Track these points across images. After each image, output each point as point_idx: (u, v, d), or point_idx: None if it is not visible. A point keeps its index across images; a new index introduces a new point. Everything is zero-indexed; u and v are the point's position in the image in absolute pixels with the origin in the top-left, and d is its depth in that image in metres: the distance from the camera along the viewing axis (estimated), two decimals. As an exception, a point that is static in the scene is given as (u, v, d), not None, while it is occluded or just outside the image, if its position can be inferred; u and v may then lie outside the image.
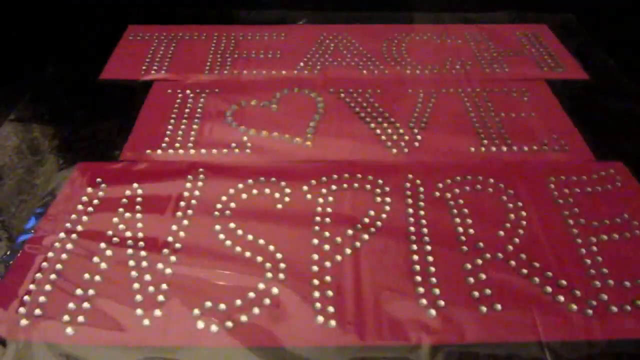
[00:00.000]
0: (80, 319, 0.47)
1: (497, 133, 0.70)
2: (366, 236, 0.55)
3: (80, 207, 0.58)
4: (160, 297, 0.49)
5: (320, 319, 0.47)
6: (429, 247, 0.54)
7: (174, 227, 0.56)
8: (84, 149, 0.68)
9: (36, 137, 0.70)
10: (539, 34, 0.92)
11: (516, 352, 0.46)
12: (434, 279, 0.51)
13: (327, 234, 0.55)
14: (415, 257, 0.53)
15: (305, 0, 0.99)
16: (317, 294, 0.50)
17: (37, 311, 0.48)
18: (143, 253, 0.53)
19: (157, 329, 0.47)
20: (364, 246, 0.54)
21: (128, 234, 0.55)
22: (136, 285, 0.50)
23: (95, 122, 0.72)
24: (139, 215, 0.57)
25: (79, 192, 0.60)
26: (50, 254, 0.53)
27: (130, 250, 0.53)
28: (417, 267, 0.52)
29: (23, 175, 0.64)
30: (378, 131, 0.70)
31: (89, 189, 0.60)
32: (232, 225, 0.56)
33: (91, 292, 0.49)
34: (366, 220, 0.57)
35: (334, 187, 0.61)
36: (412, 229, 0.56)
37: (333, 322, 0.47)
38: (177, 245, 0.54)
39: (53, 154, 0.67)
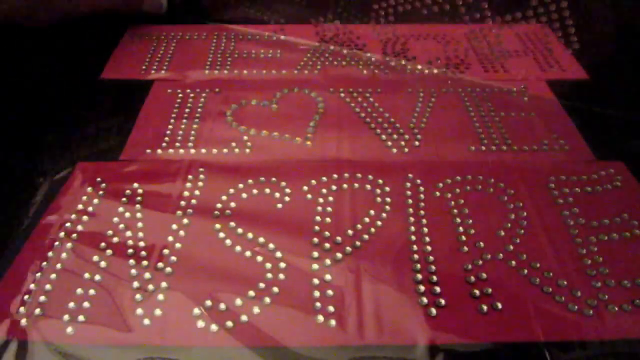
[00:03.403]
0: (81, 318, 0.47)
1: (497, 133, 0.70)
2: (366, 236, 0.55)
3: (80, 206, 0.58)
4: (161, 297, 0.49)
5: (320, 318, 0.48)
6: (429, 247, 0.54)
7: (174, 227, 0.56)
8: (84, 149, 0.68)
9: (36, 136, 0.70)
10: (539, 34, 0.92)
11: (516, 352, 0.46)
12: (434, 278, 0.51)
13: (327, 233, 0.55)
14: (416, 257, 0.53)
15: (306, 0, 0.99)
16: (317, 293, 0.50)
17: (38, 311, 0.48)
18: (143, 252, 0.53)
19: (157, 328, 0.47)
20: (364, 246, 0.54)
21: (128, 233, 0.55)
22: (136, 285, 0.50)
23: (95, 121, 0.72)
24: (139, 215, 0.57)
25: (79, 192, 0.60)
26: (50, 254, 0.53)
27: (130, 250, 0.53)
28: (418, 266, 0.52)
29: (23, 175, 0.64)
30: (378, 131, 0.70)
31: (89, 189, 0.60)
32: (232, 224, 0.56)
33: (91, 291, 0.49)
34: (366, 220, 0.57)
35: (334, 187, 0.61)
36: (412, 228, 0.56)
37: (333, 322, 0.47)
38: (177, 244, 0.54)
39: (53, 154, 0.67)
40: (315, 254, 0.53)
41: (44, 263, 0.52)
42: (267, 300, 0.49)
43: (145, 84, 0.79)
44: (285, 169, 0.64)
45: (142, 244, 0.54)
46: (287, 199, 0.60)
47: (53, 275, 0.51)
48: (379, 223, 0.57)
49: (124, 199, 0.59)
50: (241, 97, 0.76)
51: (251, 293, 0.50)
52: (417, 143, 0.68)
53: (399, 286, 0.50)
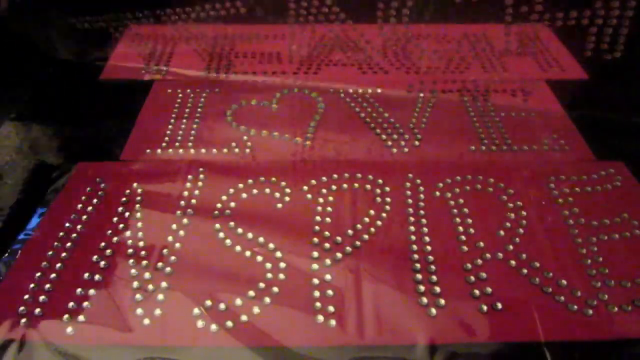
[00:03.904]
0: (81, 318, 0.47)
1: (497, 133, 0.70)
2: (366, 236, 0.55)
3: (80, 206, 0.58)
4: (160, 297, 0.49)
5: (320, 318, 0.48)
6: (429, 247, 0.54)
7: (174, 227, 0.56)
8: (84, 148, 0.68)
9: (36, 136, 0.70)
10: (539, 34, 0.92)
11: (516, 352, 0.46)
12: (434, 278, 0.51)
13: (327, 233, 0.55)
14: (415, 257, 0.53)
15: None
16: (317, 293, 0.50)
17: (38, 310, 0.48)
18: (143, 252, 0.53)
19: (157, 328, 0.47)
20: (364, 246, 0.54)
21: (128, 233, 0.55)
22: (136, 284, 0.50)
23: (95, 121, 0.72)
24: (139, 215, 0.57)
25: (79, 192, 0.60)
26: (50, 254, 0.53)
27: (130, 250, 0.53)
28: (418, 266, 0.52)
29: (23, 175, 0.64)
30: (378, 131, 0.70)
31: (89, 189, 0.61)
32: (232, 224, 0.56)
33: (91, 291, 0.49)
34: (366, 220, 0.57)
35: (334, 187, 0.61)
36: (412, 228, 0.56)
37: (333, 322, 0.47)
38: (177, 244, 0.54)
39: (53, 154, 0.67)
40: (315, 254, 0.53)
41: (44, 263, 0.52)
42: (267, 300, 0.49)
43: (145, 84, 0.79)
44: (285, 169, 0.64)
45: (142, 244, 0.54)
46: (287, 199, 0.60)
47: (53, 275, 0.51)
48: (379, 223, 0.57)
49: (124, 199, 0.59)
50: (241, 97, 0.76)
51: (251, 293, 0.50)
52: (417, 143, 0.68)
53: (399, 286, 0.50)
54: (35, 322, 0.47)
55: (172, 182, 0.62)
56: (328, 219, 0.57)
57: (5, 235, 0.56)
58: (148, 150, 0.67)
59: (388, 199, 0.60)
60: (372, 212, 0.58)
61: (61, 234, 0.55)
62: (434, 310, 0.48)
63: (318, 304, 0.49)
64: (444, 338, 0.46)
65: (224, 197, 0.60)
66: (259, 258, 0.53)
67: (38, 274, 0.51)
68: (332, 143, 0.68)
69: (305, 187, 0.61)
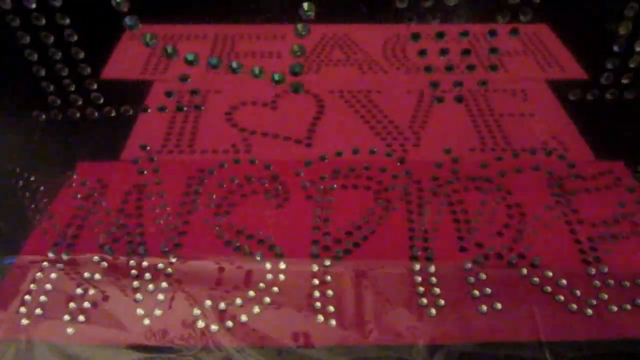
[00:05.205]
0: (81, 318, 0.47)
1: (497, 133, 0.70)
2: (366, 236, 0.55)
3: (80, 206, 0.58)
4: (160, 296, 0.49)
5: (320, 318, 0.48)
6: (429, 247, 0.54)
7: (174, 226, 0.56)
8: (84, 149, 0.68)
9: (36, 136, 0.70)
10: (539, 34, 0.92)
11: (516, 352, 0.46)
12: (434, 279, 0.51)
13: (327, 233, 0.55)
14: (416, 257, 0.53)
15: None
16: (317, 293, 0.50)
17: (38, 311, 0.48)
18: (143, 252, 0.53)
19: (157, 328, 0.47)
20: (364, 246, 0.54)
21: (129, 233, 0.55)
22: (136, 284, 0.50)
23: (95, 121, 0.72)
24: (139, 214, 0.57)
25: (79, 192, 0.60)
26: (51, 254, 0.53)
27: (130, 250, 0.53)
28: (417, 267, 0.52)
29: (23, 175, 0.64)
30: (378, 131, 0.70)
31: (89, 189, 0.61)
32: (232, 224, 0.56)
33: (92, 291, 0.49)
34: (366, 220, 0.57)
35: (334, 187, 0.61)
36: (412, 228, 0.56)
37: (333, 322, 0.47)
38: (177, 244, 0.54)
39: (53, 154, 0.67)
40: (316, 254, 0.53)
41: (45, 262, 0.52)
42: (267, 300, 0.49)
43: (145, 84, 0.79)
44: (285, 169, 0.64)
45: (142, 243, 0.54)
46: (287, 199, 0.60)
47: (53, 275, 0.51)
48: (379, 223, 0.57)
49: (124, 198, 0.59)
50: (241, 97, 0.76)
51: (251, 293, 0.50)
52: (417, 143, 0.68)
53: (399, 286, 0.50)
54: (35, 322, 0.47)
55: (172, 182, 0.62)
56: (328, 219, 0.57)
57: (6, 234, 0.56)
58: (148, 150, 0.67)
59: (388, 199, 0.60)
60: (372, 212, 0.58)
61: (62, 233, 0.55)
62: (433, 310, 0.48)
63: (318, 304, 0.49)
64: (444, 338, 0.46)
65: (224, 197, 0.60)
66: (259, 258, 0.53)
67: (39, 274, 0.51)
68: (332, 143, 0.68)
69: (305, 187, 0.61)
